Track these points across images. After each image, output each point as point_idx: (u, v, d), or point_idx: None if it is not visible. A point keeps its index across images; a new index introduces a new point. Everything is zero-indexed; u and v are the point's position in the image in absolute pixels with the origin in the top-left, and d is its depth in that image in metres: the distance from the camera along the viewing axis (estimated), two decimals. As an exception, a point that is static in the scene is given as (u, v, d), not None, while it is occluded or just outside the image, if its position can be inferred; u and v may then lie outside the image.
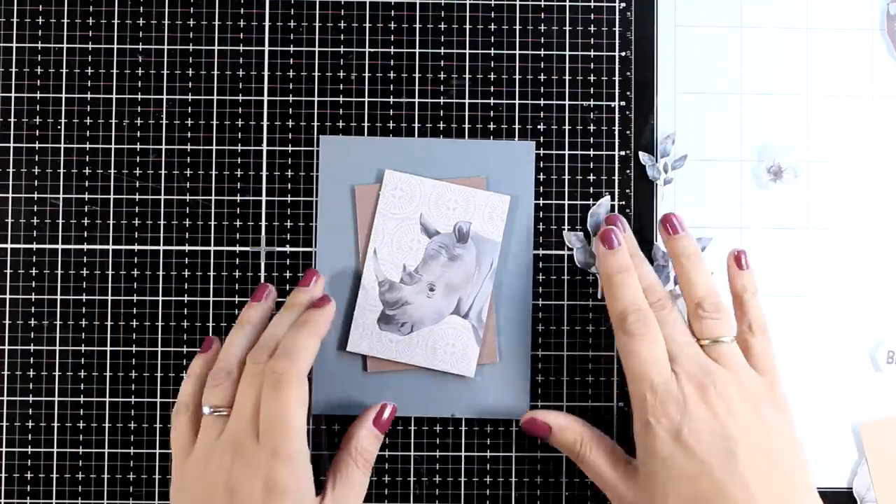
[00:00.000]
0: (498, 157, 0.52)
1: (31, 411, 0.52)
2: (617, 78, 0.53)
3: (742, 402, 0.44)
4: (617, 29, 0.53)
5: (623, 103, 0.53)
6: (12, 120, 0.52)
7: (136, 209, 0.52)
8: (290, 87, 0.53)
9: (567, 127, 0.53)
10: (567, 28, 0.53)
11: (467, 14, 0.53)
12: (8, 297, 0.52)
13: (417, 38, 0.53)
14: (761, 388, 0.45)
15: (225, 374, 0.46)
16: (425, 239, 0.51)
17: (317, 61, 0.53)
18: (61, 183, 0.52)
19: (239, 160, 0.52)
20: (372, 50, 0.53)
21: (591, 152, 0.53)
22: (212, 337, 0.50)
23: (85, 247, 0.52)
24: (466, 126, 0.53)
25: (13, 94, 0.52)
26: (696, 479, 0.43)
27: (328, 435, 0.52)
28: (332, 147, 0.52)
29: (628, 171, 0.53)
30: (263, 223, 0.52)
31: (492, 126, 0.53)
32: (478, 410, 0.52)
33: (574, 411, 0.52)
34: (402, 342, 0.51)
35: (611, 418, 0.52)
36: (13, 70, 0.52)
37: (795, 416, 0.46)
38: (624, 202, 0.53)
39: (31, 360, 0.52)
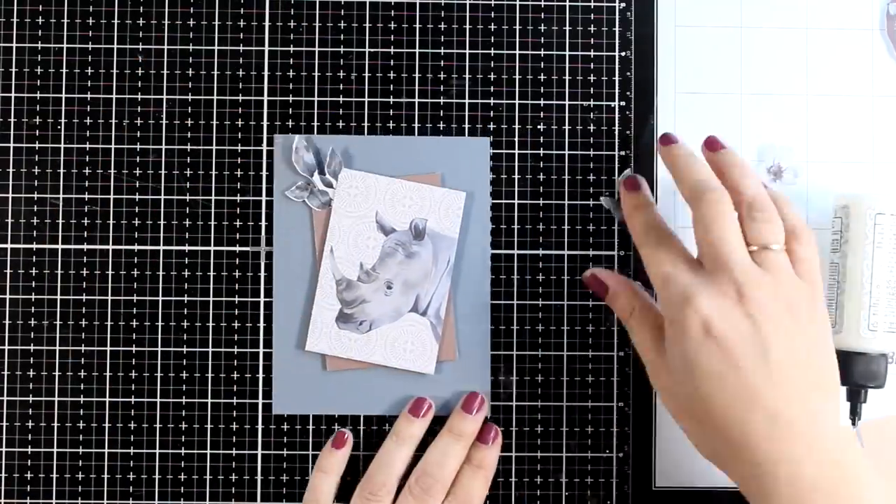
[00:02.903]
0: (453, 153, 0.52)
1: (31, 411, 0.52)
2: (617, 78, 0.53)
3: (782, 312, 0.42)
4: (617, 29, 0.53)
5: (623, 103, 0.53)
6: (12, 120, 0.52)
7: (136, 209, 0.52)
8: (290, 87, 0.53)
9: (567, 127, 0.53)
10: (567, 28, 0.53)
11: (467, 14, 0.53)
12: (8, 297, 0.52)
13: (417, 38, 0.53)
14: (804, 298, 0.43)
15: (386, 492, 0.48)
16: (382, 237, 0.51)
17: (317, 61, 0.53)
18: (61, 183, 0.52)
19: (239, 160, 0.52)
20: (372, 50, 0.53)
21: (591, 152, 0.53)
22: (344, 431, 0.51)
23: (85, 247, 0.52)
24: (466, 126, 0.53)
25: (13, 94, 0.52)
26: (723, 377, 0.41)
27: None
28: (287, 146, 0.52)
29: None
30: (263, 223, 0.52)
31: (492, 126, 0.53)
32: (437, 408, 0.51)
33: (574, 411, 0.52)
34: (360, 340, 0.51)
35: (611, 418, 0.52)
36: (13, 70, 0.52)
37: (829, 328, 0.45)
38: (624, 202, 0.53)
39: (31, 360, 0.52)
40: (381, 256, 0.51)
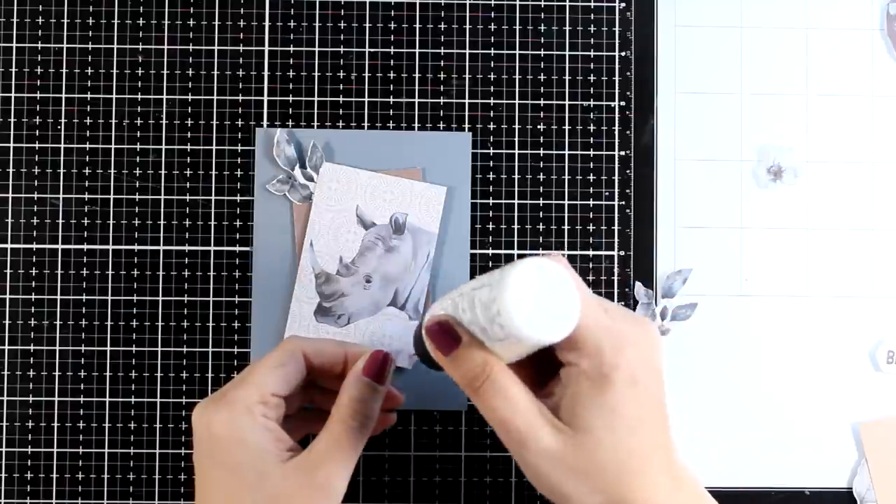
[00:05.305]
0: (434, 148, 0.52)
1: (31, 411, 0.52)
2: (617, 78, 0.53)
3: None
4: (617, 29, 0.53)
5: (623, 103, 0.53)
6: (12, 120, 0.52)
7: (136, 209, 0.52)
8: (290, 86, 0.53)
9: (567, 127, 0.53)
10: (567, 28, 0.53)
11: (467, 14, 0.53)
12: (8, 297, 0.52)
13: (417, 38, 0.53)
14: None
15: None
16: (361, 231, 0.52)
17: (317, 61, 0.53)
18: (61, 183, 0.52)
19: (239, 160, 0.52)
20: (372, 50, 0.53)
21: (591, 152, 0.53)
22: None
23: (85, 247, 0.52)
24: (466, 126, 0.53)
25: (13, 94, 0.52)
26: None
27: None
28: (268, 139, 0.52)
29: (628, 171, 0.53)
30: (263, 223, 0.52)
31: (492, 126, 0.53)
32: (415, 403, 0.51)
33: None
34: (338, 334, 0.51)
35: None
36: (13, 70, 0.52)
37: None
38: (624, 202, 0.53)
39: (31, 360, 0.52)
40: (360, 250, 0.51)
